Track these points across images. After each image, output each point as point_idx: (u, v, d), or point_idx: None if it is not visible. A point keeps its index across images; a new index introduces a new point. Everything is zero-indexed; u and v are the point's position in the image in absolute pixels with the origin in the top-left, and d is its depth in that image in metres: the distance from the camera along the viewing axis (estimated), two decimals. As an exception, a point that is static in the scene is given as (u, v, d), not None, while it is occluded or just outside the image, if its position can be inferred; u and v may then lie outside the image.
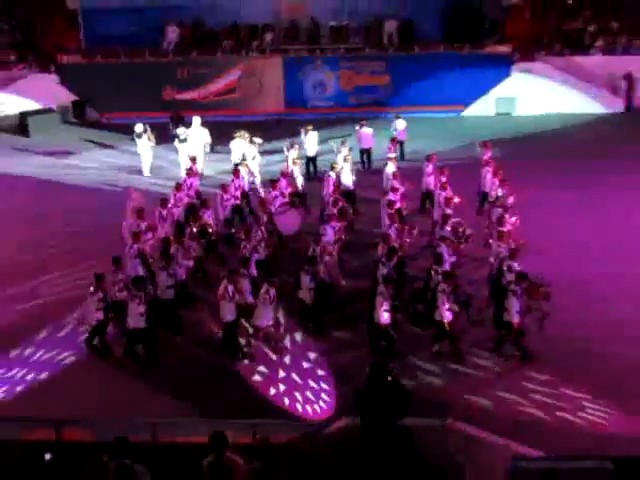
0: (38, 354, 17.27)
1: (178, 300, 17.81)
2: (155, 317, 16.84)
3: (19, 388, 15.91)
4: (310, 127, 28.42)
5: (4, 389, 15.79)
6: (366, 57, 38.39)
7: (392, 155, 25.75)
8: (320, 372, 16.25)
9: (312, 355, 16.84)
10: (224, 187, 22.71)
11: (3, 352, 17.12)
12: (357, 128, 28.94)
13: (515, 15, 39.55)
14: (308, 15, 39.64)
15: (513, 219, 19.69)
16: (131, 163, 30.64)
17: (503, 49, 38.20)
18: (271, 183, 23.08)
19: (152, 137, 29.25)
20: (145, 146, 29.32)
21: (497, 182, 22.24)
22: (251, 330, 16.99)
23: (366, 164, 28.77)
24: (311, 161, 28.03)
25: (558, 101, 37.17)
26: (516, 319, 16.05)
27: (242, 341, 16.92)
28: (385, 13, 39.07)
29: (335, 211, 20.79)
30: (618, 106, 37.79)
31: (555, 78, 37.59)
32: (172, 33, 39.36)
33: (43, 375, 16.40)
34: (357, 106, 37.91)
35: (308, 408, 15.02)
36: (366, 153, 28.82)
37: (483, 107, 38.20)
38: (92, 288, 16.73)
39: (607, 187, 26.16)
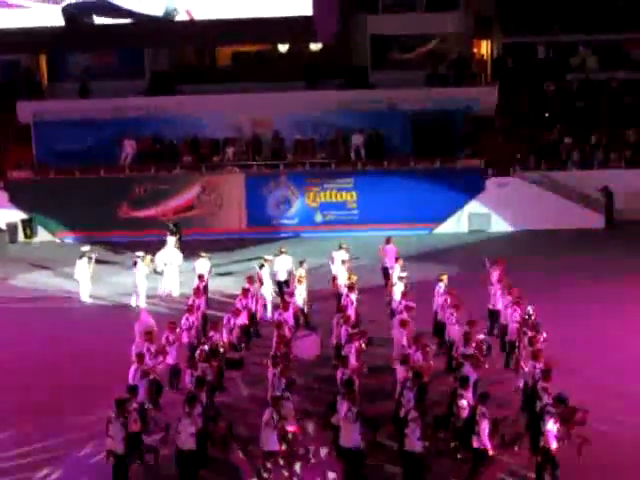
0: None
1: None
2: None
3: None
4: (283, 250, 26.37)
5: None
6: (332, 173, 35.94)
7: (402, 275, 24.01)
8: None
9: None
10: (234, 310, 21.69)
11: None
12: (381, 245, 27.31)
13: (488, 127, 37.19)
14: (272, 129, 37.27)
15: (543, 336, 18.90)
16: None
17: (476, 163, 35.92)
18: (282, 305, 22.30)
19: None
20: (85, 270, 26.57)
21: (511, 300, 21.09)
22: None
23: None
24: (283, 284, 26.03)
25: (535, 217, 34.36)
26: (554, 444, 14.61)
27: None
28: (351, 126, 36.43)
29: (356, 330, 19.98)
30: (597, 221, 34.61)
31: (531, 193, 34.92)
32: (129, 147, 36.94)
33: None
34: (323, 224, 35.33)
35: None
36: (387, 270, 26.70)
37: (456, 224, 35.53)
38: (113, 414, 15.03)
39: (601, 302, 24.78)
